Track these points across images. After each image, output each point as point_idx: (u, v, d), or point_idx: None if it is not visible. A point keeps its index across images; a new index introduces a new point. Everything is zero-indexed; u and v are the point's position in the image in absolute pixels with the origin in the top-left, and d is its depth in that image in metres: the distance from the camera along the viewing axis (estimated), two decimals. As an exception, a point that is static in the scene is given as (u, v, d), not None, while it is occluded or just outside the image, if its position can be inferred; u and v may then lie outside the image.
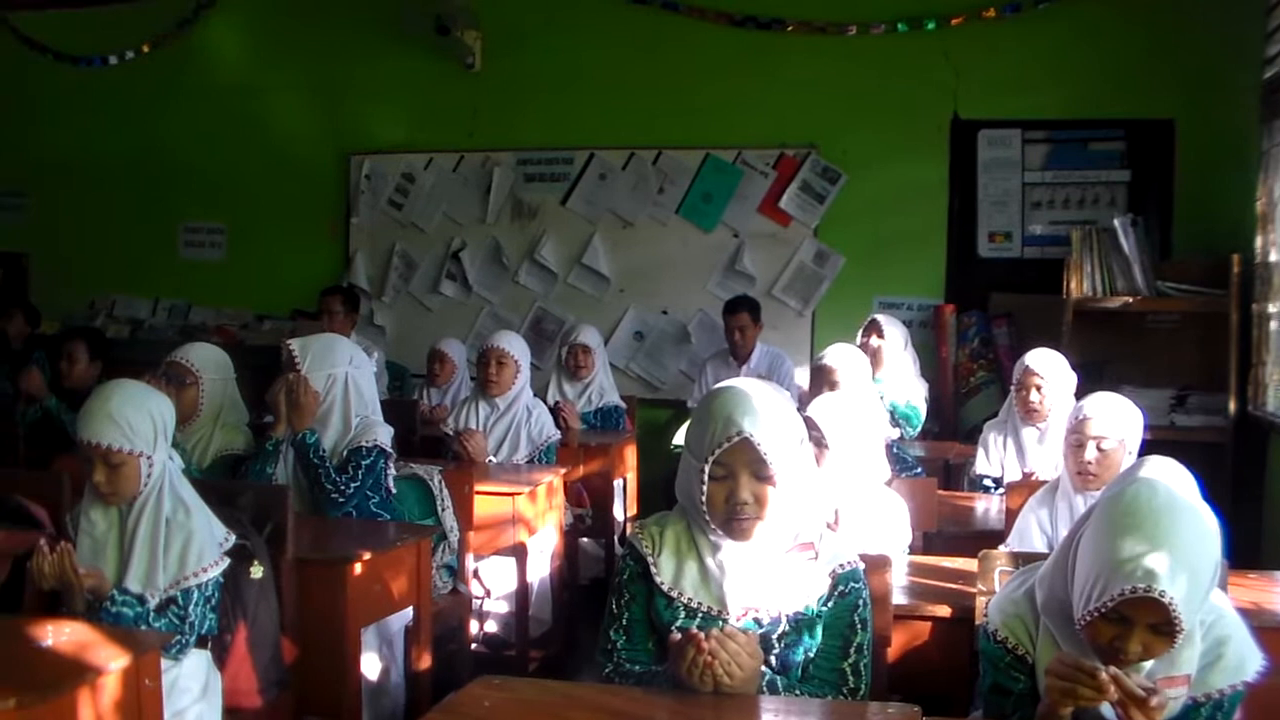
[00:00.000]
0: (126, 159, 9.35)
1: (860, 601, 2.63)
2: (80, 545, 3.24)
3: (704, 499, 2.56)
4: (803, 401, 4.83)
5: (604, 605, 2.75)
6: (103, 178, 9.41)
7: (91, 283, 9.45)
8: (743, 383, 2.65)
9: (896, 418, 6.21)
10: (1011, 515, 4.06)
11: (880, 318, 6.58)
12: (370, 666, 3.95)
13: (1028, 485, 4.25)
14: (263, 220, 9.01)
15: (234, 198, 9.10)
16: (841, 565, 2.63)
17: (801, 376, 7.11)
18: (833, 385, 4.95)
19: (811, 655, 2.61)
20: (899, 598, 3.23)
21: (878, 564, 3.01)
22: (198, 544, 3.23)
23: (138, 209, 9.35)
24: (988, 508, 4.77)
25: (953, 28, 7.31)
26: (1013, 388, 5.05)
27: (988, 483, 5.09)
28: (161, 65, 9.23)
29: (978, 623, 2.89)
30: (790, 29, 7.59)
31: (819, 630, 2.61)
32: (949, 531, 4.41)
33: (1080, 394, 4.46)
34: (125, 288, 9.39)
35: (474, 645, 4.99)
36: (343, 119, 8.77)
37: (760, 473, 2.54)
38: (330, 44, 8.72)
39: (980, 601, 2.93)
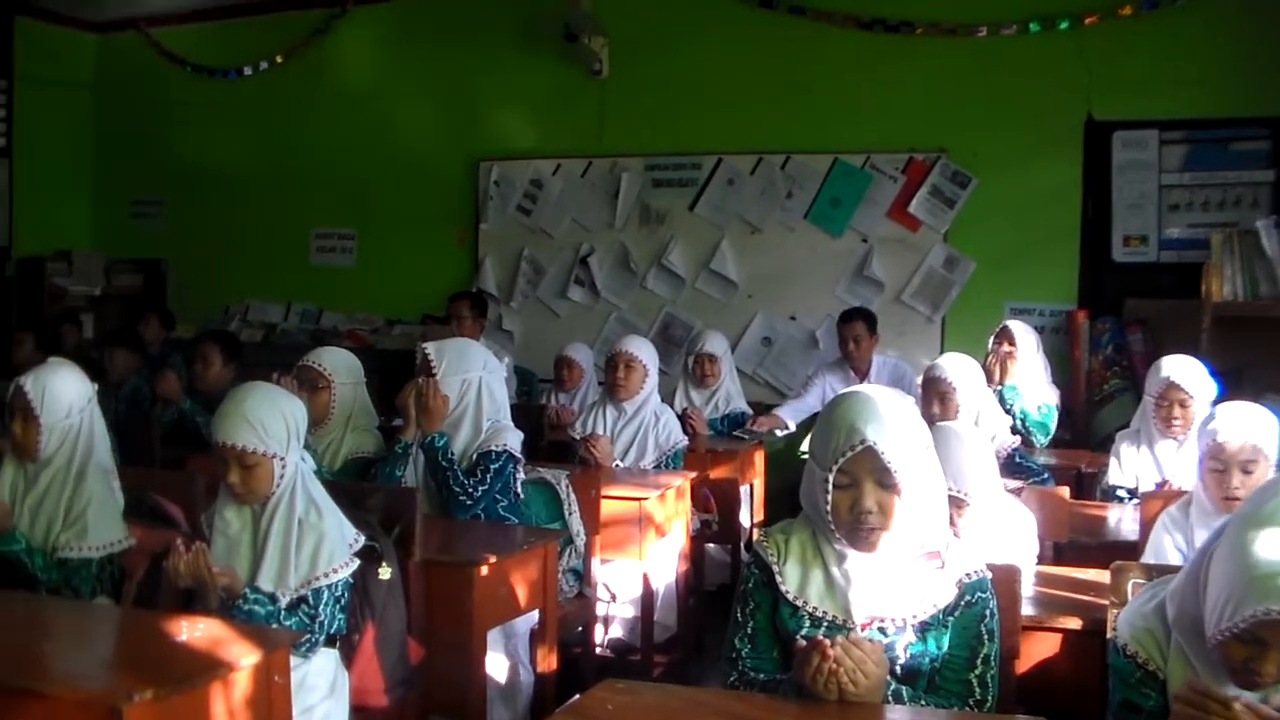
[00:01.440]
0: (260, 167, 9.59)
1: (988, 612, 2.60)
2: (215, 544, 3.30)
3: (828, 507, 2.54)
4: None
5: (729, 611, 2.75)
6: (237, 185, 9.66)
7: (226, 288, 9.70)
8: (867, 389, 2.63)
9: (1027, 426, 6.10)
10: (1146, 526, 3.95)
11: (1011, 324, 6.46)
12: (495, 668, 3.98)
13: (1163, 495, 4.12)
14: (393, 226, 9.15)
15: (365, 204, 9.26)
16: (969, 574, 2.60)
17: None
18: (944, 397, 4.84)
19: (937, 665, 2.58)
20: (1027, 609, 3.17)
21: (1006, 574, 2.96)
22: (329, 545, 3.28)
23: (271, 216, 9.57)
24: (1121, 518, 4.64)
25: (1087, 26, 7.16)
26: (1149, 397, 4.88)
27: (1121, 493, 4.95)
28: (295, 75, 9.45)
29: (1109, 636, 2.83)
30: (919, 31, 7.51)
31: (945, 640, 2.58)
32: (1080, 542, 4.31)
33: (1219, 401, 4.32)
34: (259, 293, 9.61)
35: (599, 649, 5.01)
36: (472, 125, 8.88)
37: (884, 481, 2.52)
38: (459, 52, 8.83)
39: (1112, 614, 2.86)
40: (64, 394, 3.69)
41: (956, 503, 3.23)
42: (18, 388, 3.68)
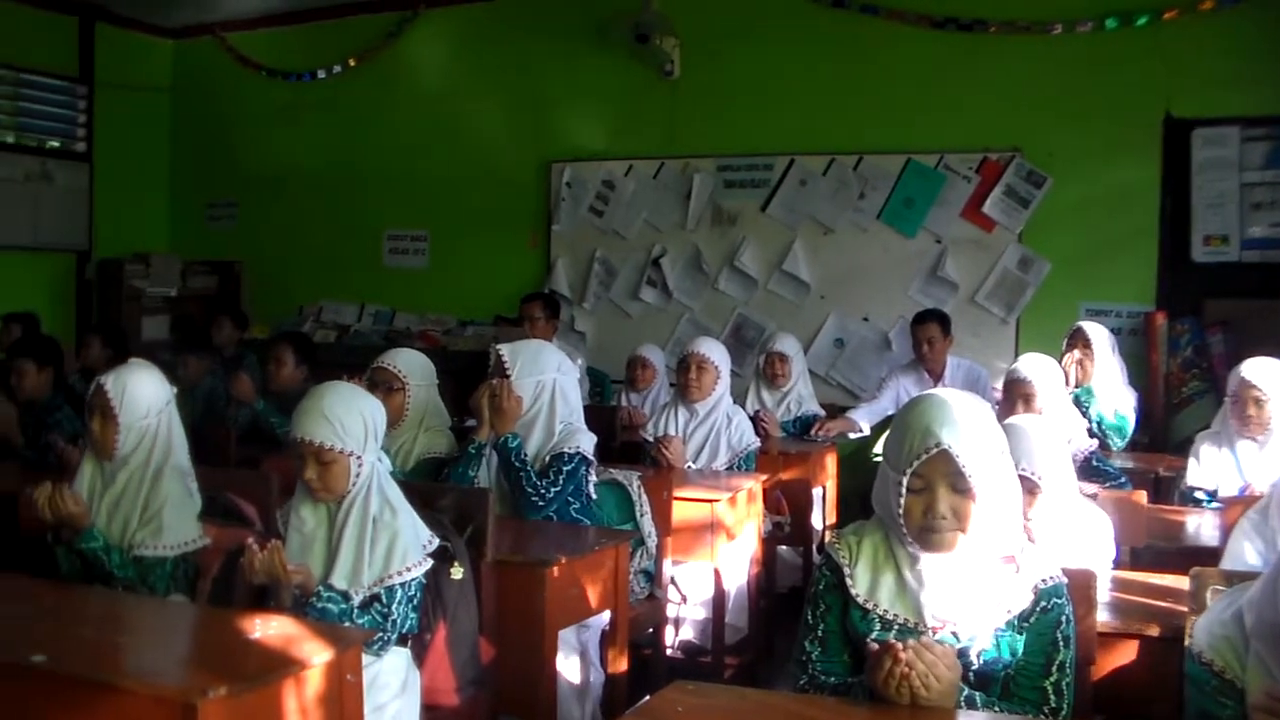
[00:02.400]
0: (333, 169, 9.70)
1: (1063, 618, 2.56)
2: (290, 541, 3.34)
3: (901, 511, 2.52)
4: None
5: (800, 614, 2.74)
6: (311, 188, 9.78)
7: (300, 289, 9.82)
8: (942, 392, 2.61)
9: (1103, 429, 6.02)
10: (1227, 531, 3.87)
11: (1086, 325, 6.39)
12: (566, 669, 3.98)
13: (1244, 500, 4.05)
14: (465, 227, 9.21)
15: (437, 206, 9.33)
16: (1044, 580, 2.57)
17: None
18: (1027, 399, 4.76)
19: (1011, 672, 2.55)
20: (1104, 615, 3.12)
21: (1082, 579, 2.91)
22: (402, 544, 3.30)
23: (344, 217, 9.67)
24: (1200, 523, 4.57)
25: (1166, 22, 7.05)
26: (1228, 399, 4.83)
27: (1200, 496, 4.88)
28: (367, 78, 9.54)
29: (1186, 644, 2.78)
30: (993, 30, 7.44)
31: (1020, 646, 2.55)
32: (1158, 547, 4.23)
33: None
34: (332, 294, 9.71)
35: (669, 651, 5.00)
36: (543, 127, 8.91)
37: (959, 485, 2.50)
38: (531, 53, 8.87)
39: (1191, 621, 2.81)
40: (143, 394, 3.73)
41: (1029, 486, 3.20)
42: (98, 387, 3.73)
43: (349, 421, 3.30)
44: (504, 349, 4.48)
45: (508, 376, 4.39)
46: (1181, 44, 7.04)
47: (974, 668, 2.53)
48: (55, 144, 9.76)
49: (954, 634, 2.54)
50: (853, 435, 6.85)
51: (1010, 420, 3.51)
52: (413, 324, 9.29)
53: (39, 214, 9.49)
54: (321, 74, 9.72)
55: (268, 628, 2.83)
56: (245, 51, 10.09)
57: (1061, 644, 2.55)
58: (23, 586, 3.32)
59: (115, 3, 9.71)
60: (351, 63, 9.58)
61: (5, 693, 2.65)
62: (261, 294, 9.99)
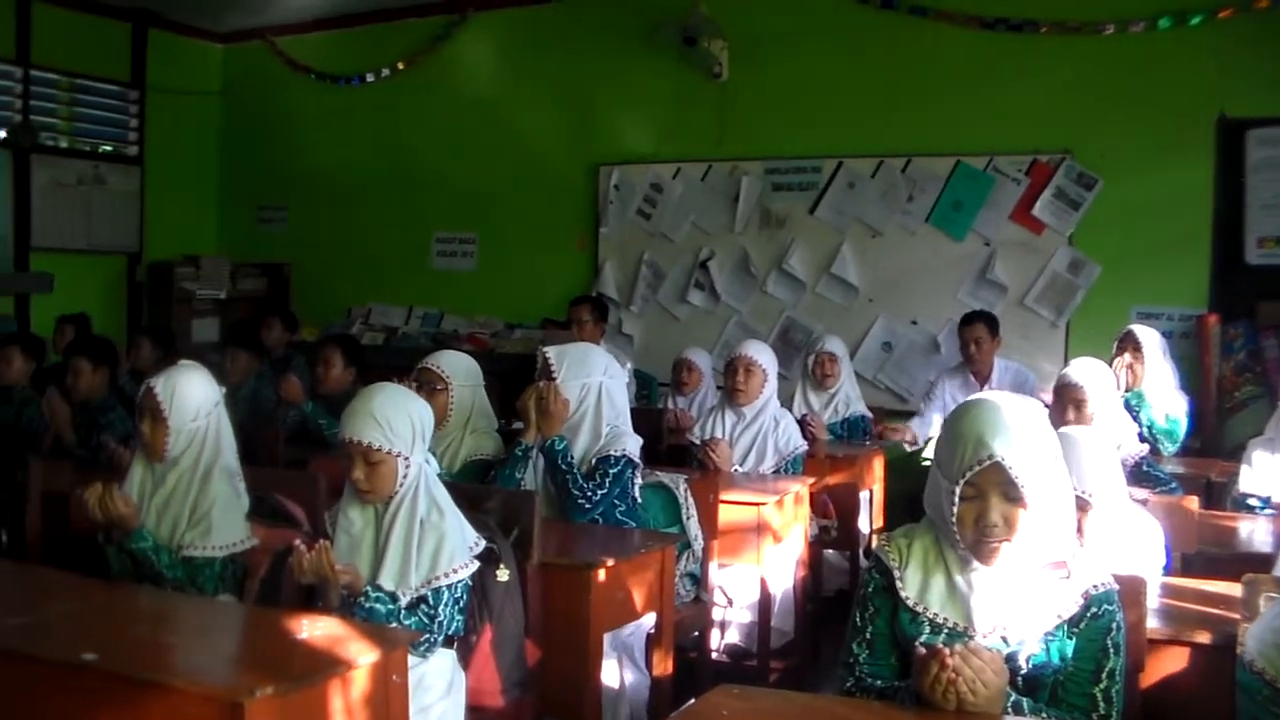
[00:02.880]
0: (382, 172, 9.75)
1: (1114, 624, 2.54)
2: (337, 542, 3.36)
3: (954, 519, 2.51)
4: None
5: (847, 618, 2.73)
6: (359, 191, 9.84)
7: (348, 291, 9.87)
8: (995, 397, 2.58)
9: (1154, 434, 5.96)
10: (1280, 537, 3.84)
11: (1137, 328, 6.33)
12: (611, 671, 3.98)
13: (1299, 506, 4.01)
14: (513, 230, 9.23)
15: (485, 208, 9.35)
16: (1095, 586, 2.55)
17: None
18: (1078, 404, 4.69)
19: (1060, 678, 2.53)
20: (1154, 622, 3.09)
21: (1132, 586, 2.89)
22: (450, 546, 3.31)
23: (392, 220, 9.73)
24: (1253, 529, 4.52)
25: (1220, 21, 6.96)
26: (1280, 400, 4.78)
27: (1253, 502, 4.82)
28: (415, 81, 9.58)
29: (1238, 651, 2.75)
30: (1043, 30, 7.38)
31: (1069, 652, 2.53)
32: (1210, 553, 4.19)
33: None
34: (380, 296, 9.76)
35: (715, 654, 4.99)
36: (591, 130, 8.92)
37: (1011, 494, 2.48)
38: (578, 56, 8.89)
39: (1243, 629, 2.78)
40: (192, 396, 3.75)
41: (1080, 504, 3.16)
42: (148, 389, 3.75)
43: (397, 423, 3.31)
44: (551, 351, 4.49)
45: (554, 379, 4.40)
46: (1236, 43, 6.95)
47: (1023, 673, 2.51)
48: (108, 148, 9.87)
49: (1003, 639, 2.52)
50: (909, 448, 6.82)
51: (1061, 432, 3.48)
52: (460, 326, 9.32)
53: (91, 217, 9.60)
54: (370, 77, 9.77)
55: (315, 628, 2.85)
56: (295, 55, 10.16)
57: (1111, 650, 2.52)
58: (74, 585, 3.36)
59: (167, 9, 9.80)
60: (400, 66, 9.62)
61: (57, 690, 2.67)
62: (310, 296, 10.04)
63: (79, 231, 9.52)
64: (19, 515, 4.53)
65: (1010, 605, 2.53)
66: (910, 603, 2.60)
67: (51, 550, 4.30)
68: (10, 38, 9.05)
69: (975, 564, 2.54)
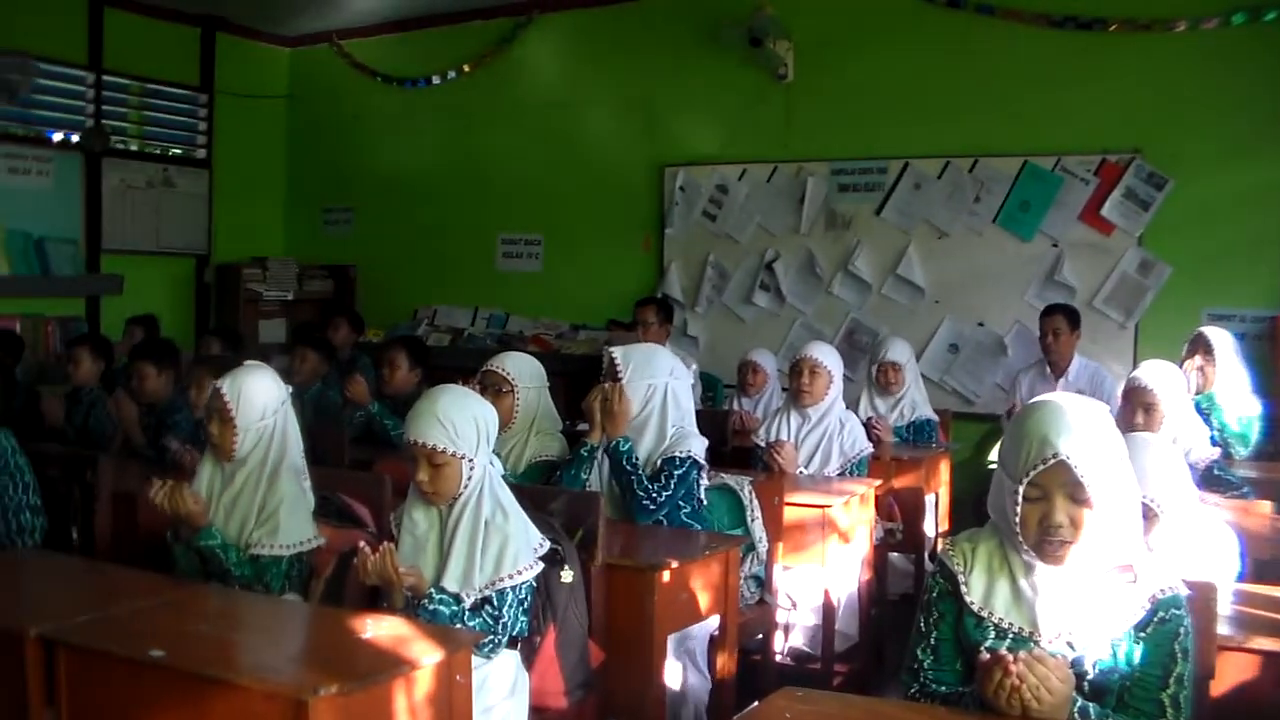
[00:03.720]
0: (448, 174, 9.81)
1: (1182, 629, 2.50)
2: (402, 543, 3.38)
3: (1017, 520, 2.48)
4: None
5: (911, 621, 2.72)
6: (425, 193, 9.90)
7: (414, 293, 9.93)
8: (1060, 398, 2.56)
9: (1225, 437, 5.87)
10: (1358, 543, 3.77)
11: (1208, 330, 6.24)
12: (674, 673, 3.98)
13: (1374, 512, 3.93)
14: (579, 231, 9.25)
15: (550, 210, 9.38)
16: (1163, 590, 2.52)
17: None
18: (1148, 408, 4.61)
19: (1127, 683, 2.50)
20: (1225, 628, 3.04)
21: (1202, 591, 2.85)
22: (514, 547, 3.32)
23: (458, 222, 9.77)
24: (1329, 535, 4.44)
25: (1297, 15, 6.87)
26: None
27: (1329, 506, 4.74)
28: (481, 83, 9.62)
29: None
30: (1113, 28, 7.29)
31: (1136, 657, 2.50)
32: (1286, 559, 4.13)
33: None
34: (446, 297, 9.82)
35: (778, 657, 4.98)
36: (657, 131, 8.91)
37: (1077, 495, 2.45)
38: (644, 58, 8.88)
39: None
40: (259, 396, 3.79)
41: (1147, 513, 3.12)
42: (215, 390, 3.79)
43: (461, 424, 3.33)
44: (616, 352, 4.49)
45: (620, 379, 4.40)
46: (1312, 40, 6.84)
47: (1089, 678, 2.48)
48: (177, 151, 10.00)
49: (1069, 644, 2.50)
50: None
51: (1130, 437, 3.43)
52: (526, 328, 9.34)
53: (161, 219, 9.72)
54: (436, 80, 9.82)
55: (379, 628, 2.88)
56: (361, 58, 10.23)
57: (1180, 656, 2.49)
58: (142, 583, 3.40)
59: (236, 13, 9.90)
60: (466, 68, 9.67)
61: (124, 685, 2.73)
62: (376, 298, 10.11)
63: (148, 233, 9.64)
64: (89, 514, 4.59)
65: (1076, 609, 2.51)
66: (975, 607, 2.58)
67: (120, 549, 4.36)
68: (83, 44, 9.18)
69: (1040, 568, 2.52)
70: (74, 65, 9.14)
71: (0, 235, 8.46)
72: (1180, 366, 5.87)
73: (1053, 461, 2.43)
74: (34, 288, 8.81)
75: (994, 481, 2.61)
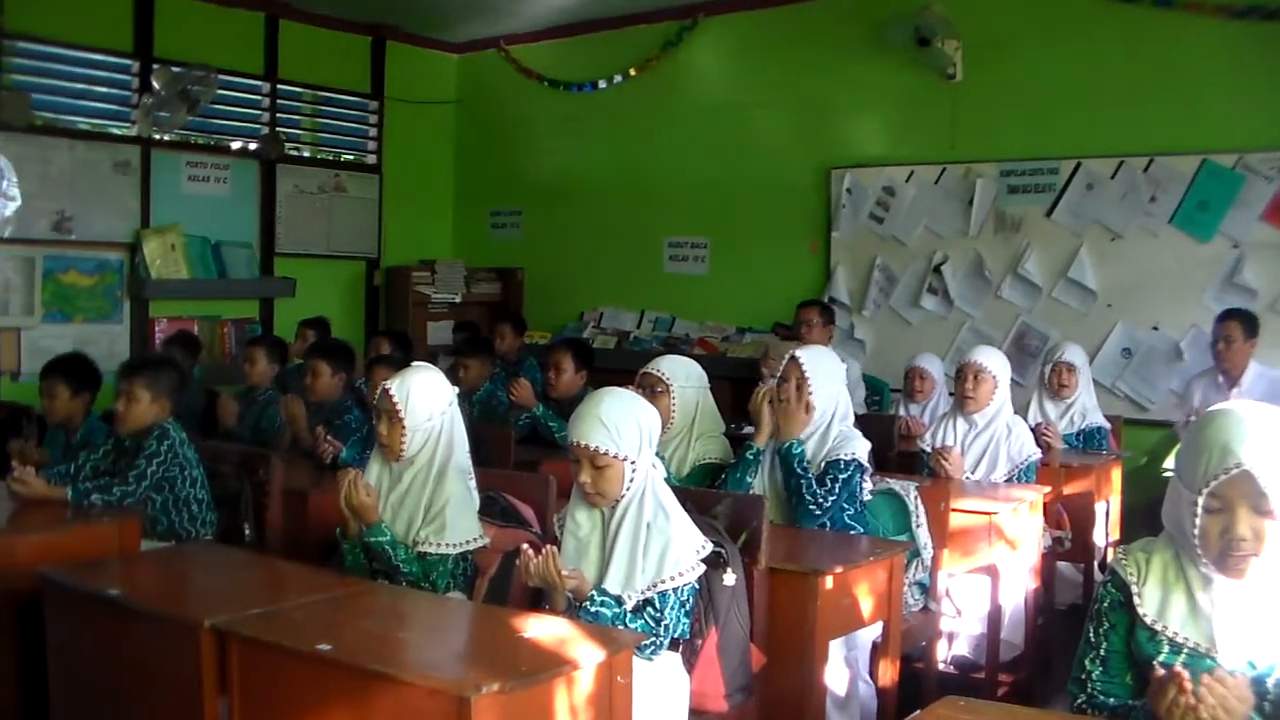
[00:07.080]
0: (614, 178, 9.87)
1: (1373, 649, 2.40)
2: (565, 545, 3.41)
3: (1196, 532, 2.41)
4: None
5: (1079, 632, 2.66)
6: (592, 196, 9.97)
7: (581, 295, 10.01)
8: (1240, 405, 2.48)
9: None
10: None
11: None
12: (835, 679, 3.95)
13: None
14: (745, 234, 9.22)
15: (716, 213, 9.37)
16: (1349, 606, 2.41)
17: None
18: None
19: (1312, 707, 2.40)
20: None
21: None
22: (676, 549, 3.33)
23: (625, 225, 9.81)
24: None
25: None
26: None
27: None
28: (647, 87, 9.66)
29: None
30: (1300, 19, 7.03)
31: (1322, 677, 2.40)
32: None
33: None
34: (613, 300, 9.87)
35: (941, 665, 4.92)
36: (823, 133, 8.85)
37: (1260, 506, 2.37)
38: (810, 59, 8.82)
39: None
40: (426, 397, 3.86)
41: None
42: (384, 391, 3.88)
43: (624, 427, 3.34)
44: (803, 355, 4.47)
45: (805, 380, 4.38)
46: None
47: (1269, 698, 2.39)
48: (348, 157, 10.23)
49: (1250, 662, 2.41)
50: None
51: None
52: (691, 330, 9.36)
53: (332, 223, 9.95)
54: (602, 84, 9.89)
55: (542, 627, 2.91)
56: (527, 64, 10.34)
57: (1370, 679, 2.39)
58: (312, 578, 3.49)
59: (405, 22, 10.09)
60: (632, 72, 9.71)
61: (293, 677, 2.80)
62: (542, 300, 10.22)
63: (320, 237, 9.88)
64: (261, 511, 4.72)
65: (1257, 626, 2.42)
66: (1148, 620, 2.51)
67: (291, 545, 4.47)
68: (259, 55, 9.45)
69: (1219, 582, 2.44)
70: (251, 76, 9.41)
71: (181, 240, 8.72)
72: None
73: (1235, 471, 2.36)
74: (211, 291, 9.09)
75: (1169, 491, 2.54)
